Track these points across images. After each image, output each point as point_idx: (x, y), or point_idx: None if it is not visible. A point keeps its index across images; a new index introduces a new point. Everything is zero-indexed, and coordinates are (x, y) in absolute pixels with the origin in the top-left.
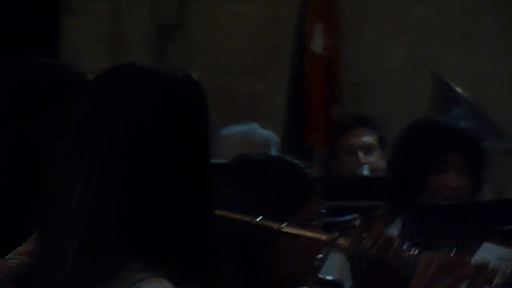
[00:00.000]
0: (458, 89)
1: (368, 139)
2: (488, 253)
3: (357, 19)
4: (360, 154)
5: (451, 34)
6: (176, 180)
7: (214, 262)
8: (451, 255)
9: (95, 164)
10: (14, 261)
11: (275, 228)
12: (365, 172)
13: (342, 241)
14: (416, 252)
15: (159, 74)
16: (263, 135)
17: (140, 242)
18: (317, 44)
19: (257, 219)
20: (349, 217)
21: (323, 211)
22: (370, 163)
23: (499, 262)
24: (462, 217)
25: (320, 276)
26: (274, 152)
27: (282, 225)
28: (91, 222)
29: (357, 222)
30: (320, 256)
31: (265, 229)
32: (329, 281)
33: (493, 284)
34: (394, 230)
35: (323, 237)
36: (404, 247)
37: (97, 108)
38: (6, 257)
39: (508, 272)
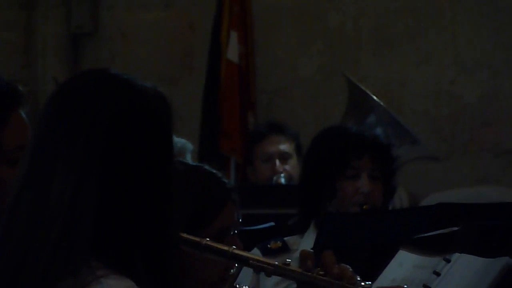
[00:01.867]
0: (373, 96)
1: (284, 147)
2: (403, 261)
3: (271, 27)
4: (277, 162)
5: (365, 41)
6: (144, 185)
7: (170, 271)
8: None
9: (72, 164)
10: None
11: (223, 249)
12: (282, 180)
13: (293, 267)
14: (367, 284)
15: (131, 81)
16: (177, 142)
17: (106, 241)
18: (232, 52)
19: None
20: (267, 226)
21: (239, 219)
22: (286, 171)
23: (417, 270)
24: (378, 224)
25: (237, 286)
26: (188, 159)
27: (205, 239)
28: (69, 219)
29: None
30: (235, 267)
31: (189, 243)
32: None
33: None
34: (309, 238)
35: (273, 262)
36: (358, 278)
37: (72, 109)
38: None
39: None
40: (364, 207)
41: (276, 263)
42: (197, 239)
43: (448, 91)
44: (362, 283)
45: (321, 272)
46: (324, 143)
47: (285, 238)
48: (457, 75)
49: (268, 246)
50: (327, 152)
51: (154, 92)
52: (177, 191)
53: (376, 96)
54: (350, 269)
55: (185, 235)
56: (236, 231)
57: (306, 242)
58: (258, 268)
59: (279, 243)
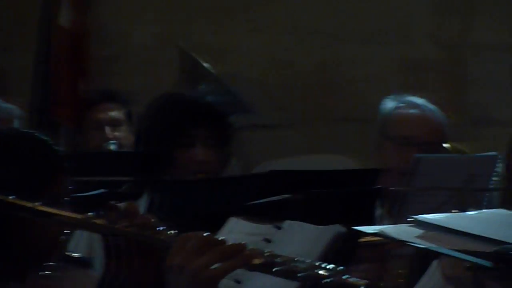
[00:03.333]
0: (206, 64)
1: (115, 114)
2: (234, 228)
3: None
4: (107, 129)
5: (199, 10)
6: None
7: None
8: (208, 235)
9: None
10: None
11: (28, 206)
12: (112, 147)
13: (97, 220)
14: (173, 232)
15: None
16: (4, 108)
17: None
18: (64, 17)
19: (10, 198)
20: (97, 192)
21: (71, 187)
22: (117, 138)
23: (247, 238)
24: (210, 192)
25: (67, 253)
26: (17, 125)
27: (36, 204)
28: None
29: (113, 202)
30: (66, 232)
31: (19, 208)
32: (77, 258)
33: (251, 264)
34: (142, 206)
35: (78, 216)
36: (161, 228)
37: None
38: None
39: (266, 252)
40: (199, 175)
41: (79, 217)
42: (29, 204)
43: (283, 59)
44: (168, 232)
45: (125, 224)
46: (159, 110)
47: (118, 205)
48: (292, 43)
49: (100, 213)
50: (162, 120)
51: None
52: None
53: (211, 64)
54: (153, 219)
55: (15, 200)
56: (67, 198)
57: (140, 209)
58: (62, 223)
59: None
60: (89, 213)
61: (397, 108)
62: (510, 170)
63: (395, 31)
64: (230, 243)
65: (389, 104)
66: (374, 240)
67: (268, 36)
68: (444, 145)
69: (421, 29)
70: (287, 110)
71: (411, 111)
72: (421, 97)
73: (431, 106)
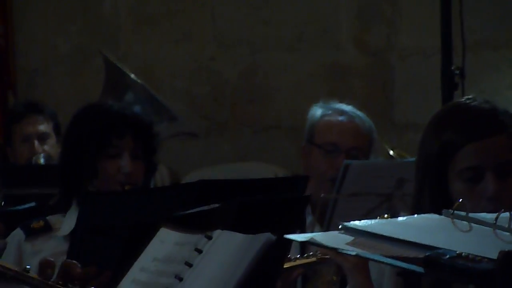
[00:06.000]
0: (130, 74)
1: (43, 127)
2: (165, 238)
3: (30, 6)
4: (35, 142)
5: (124, 19)
6: None
7: None
8: None
9: None
10: None
11: None
12: (41, 160)
13: (32, 274)
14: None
15: None
16: None
17: None
18: None
19: None
20: (27, 206)
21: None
22: (45, 151)
23: (175, 248)
24: (140, 203)
25: None
26: None
27: None
28: None
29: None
30: None
31: None
32: None
33: None
34: (71, 219)
35: (13, 267)
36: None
37: None
38: None
39: None
40: (125, 187)
41: (17, 269)
42: None
43: (208, 68)
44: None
45: (60, 282)
46: (84, 121)
47: (47, 217)
48: (216, 52)
49: (31, 226)
50: (87, 131)
51: None
52: None
53: (136, 74)
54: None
55: None
56: None
57: (69, 221)
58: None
59: (41, 222)
60: (25, 267)
61: (324, 115)
62: (419, 176)
63: (321, 37)
64: None
65: (316, 111)
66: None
67: (193, 45)
68: (390, 152)
69: (347, 35)
70: (214, 119)
71: (338, 118)
72: (349, 103)
73: (358, 112)
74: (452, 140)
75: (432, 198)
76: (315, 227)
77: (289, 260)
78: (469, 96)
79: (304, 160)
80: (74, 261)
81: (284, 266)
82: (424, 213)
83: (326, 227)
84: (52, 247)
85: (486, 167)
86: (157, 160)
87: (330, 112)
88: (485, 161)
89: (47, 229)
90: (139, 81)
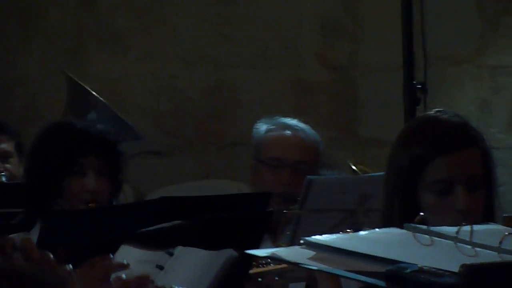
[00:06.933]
0: (93, 92)
1: (5, 146)
2: (127, 255)
3: None
4: None
5: (88, 37)
6: None
7: None
8: (108, 265)
9: None
10: None
11: None
12: (3, 179)
13: None
14: (71, 267)
15: None
16: None
17: None
18: None
19: None
20: None
21: None
22: (8, 170)
23: (140, 265)
24: (102, 221)
25: None
26: None
27: None
28: None
29: (6, 235)
30: None
31: None
32: None
33: None
34: (34, 236)
35: None
36: (58, 262)
37: None
38: None
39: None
40: (90, 205)
41: None
42: None
43: (171, 85)
44: (67, 267)
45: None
46: (48, 139)
47: (10, 236)
48: (179, 69)
49: None
50: (52, 149)
51: None
52: None
53: (99, 92)
54: (50, 254)
55: None
56: None
57: (33, 239)
58: None
59: None
60: None
61: (268, 130)
62: (388, 189)
63: (284, 53)
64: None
65: (260, 127)
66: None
67: (155, 63)
68: (353, 167)
69: (310, 51)
70: (177, 136)
71: (282, 132)
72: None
73: (302, 125)
74: (423, 154)
75: (402, 211)
76: (266, 242)
77: (260, 265)
78: (439, 109)
79: (253, 177)
80: (30, 238)
81: (255, 272)
82: (394, 226)
83: (290, 243)
84: None
85: (456, 180)
86: (123, 178)
87: (274, 127)
88: (455, 174)
89: None
90: (102, 99)
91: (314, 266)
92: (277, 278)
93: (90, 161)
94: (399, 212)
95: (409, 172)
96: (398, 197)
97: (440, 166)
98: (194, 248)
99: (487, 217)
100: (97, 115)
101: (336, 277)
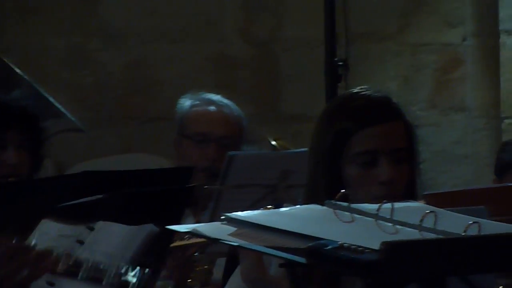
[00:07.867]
0: (18, 70)
1: None
2: (48, 230)
3: None
4: None
5: (8, 10)
6: None
7: None
8: (15, 242)
9: None
10: None
11: None
12: None
13: None
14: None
15: None
16: None
17: None
18: None
19: None
20: None
21: None
22: None
23: (60, 239)
24: (22, 195)
25: None
26: None
27: None
28: None
29: None
30: None
31: None
32: None
33: (57, 270)
34: None
35: None
36: None
37: None
38: None
39: (71, 257)
40: (9, 178)
41: None
42: None
43: (93, 59)
44: None
45: None
46: None
47: None
48: (102, 43)
49: None
50: None
51: None
52: None
53: (20, 66)
54: None
55: None
56: None
57: None
58: None
59: None
60: None
61: (192, 106)
62: (312, 165)
63: (206, 29)
64: (37, 249)
65: (184, 102)
66: (183, 245)
67: (77, 37)
68: (272, 142)
69: (232, 26)
70: (99, 110)
71: (206, 108)
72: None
73: (226, 101)
74: (347, 127)
75: (326, 186)
76: (189, 217)
77: (183, 239)
78: (363, 87)
79: (177, 152)
80: None
81: (177, 245)
82: (319, 202)
83: (210, 219)
84: None
85: (380, 151)
86: (44, 153)
87: (198, 102)
88: (380, 146)
89: None
90: (25, 76)
91: (235, 242)
92: (196, 254)
93: (10, 136)
94: (324, 188)
95: (333, 147)
96: (322, 172)
97: (364, 138)
98: (115, 223)
99: (409, 192)
100: (22, 93)
101: (258, 253)
